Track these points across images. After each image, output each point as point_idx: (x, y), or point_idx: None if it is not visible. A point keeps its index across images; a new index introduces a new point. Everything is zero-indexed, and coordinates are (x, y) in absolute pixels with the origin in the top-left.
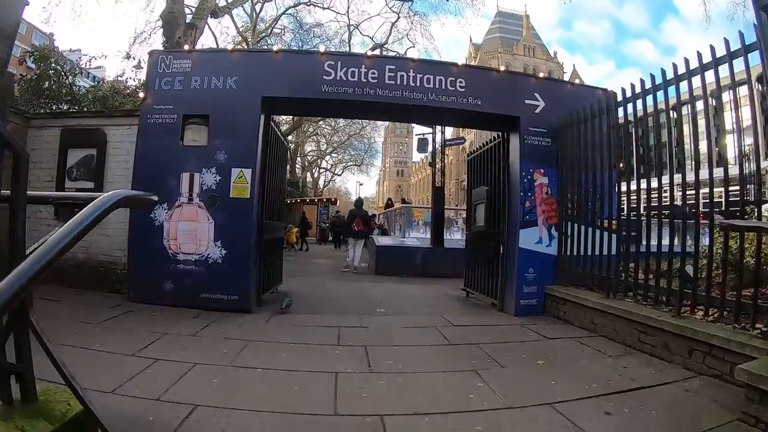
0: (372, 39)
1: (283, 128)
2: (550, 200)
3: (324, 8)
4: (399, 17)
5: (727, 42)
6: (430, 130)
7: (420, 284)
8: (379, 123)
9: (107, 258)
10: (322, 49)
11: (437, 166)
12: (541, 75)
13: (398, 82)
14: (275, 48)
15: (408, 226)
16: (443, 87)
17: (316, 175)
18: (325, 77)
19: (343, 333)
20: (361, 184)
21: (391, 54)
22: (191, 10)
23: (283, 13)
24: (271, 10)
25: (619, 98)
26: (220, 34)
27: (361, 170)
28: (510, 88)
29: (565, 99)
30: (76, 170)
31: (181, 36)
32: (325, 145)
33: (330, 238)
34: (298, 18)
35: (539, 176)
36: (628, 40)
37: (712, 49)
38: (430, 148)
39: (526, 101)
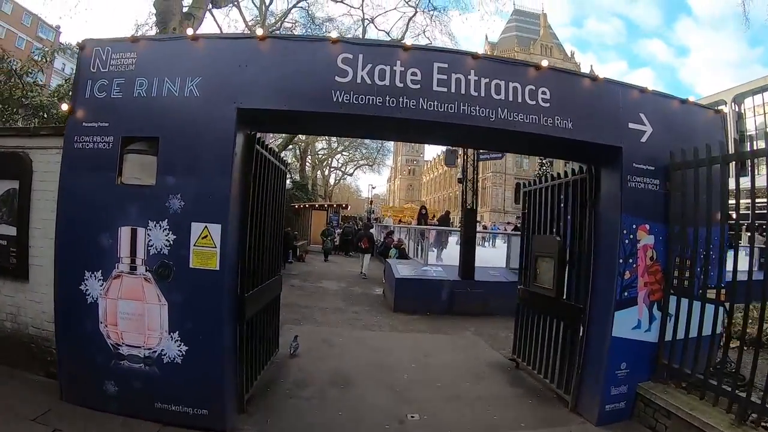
0: (388, 34)
1: None
2: (654, 268)
3: (337, 1)
4: (416, 12)
5: None
6: None
7: (448, 332)
8: None
9: (38, 332)
10: (333, 35)
11: (469, 182)
12: (649, 87)
13: (453, 90)
14: (259, 32)
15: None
16: (519, 99)
17: (326, 173)
18: (338, 79)
19: None
20: (373, 187)
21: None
22: None
23: (294, 5)
24: (281, 3)
25: None
26: (227, 27)
27: (372, 169)
28: (608, 104)
29: (673, 122)
30: None
31: (176, 27)
32: (336, 143)
33: (337, 248)
34: (309, 12)
35: (644, 235)
36: (640, 39)
37: None
38: (460, 161)
39: (630, 125)
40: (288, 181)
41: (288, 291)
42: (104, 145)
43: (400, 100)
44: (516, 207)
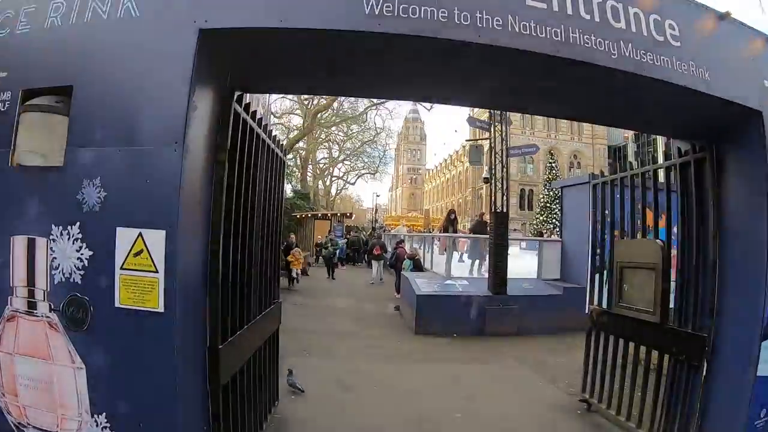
0: None
1: (293, 134)
2: None
3: None
4: None
5: None
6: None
7: (487, 360)
8: (394, 129)
9: None
10: None
11: (498, 181)
12: None
13: (555, 7)
14: None
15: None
16: (644, 32)
17: (328, 182)
18: None
19: None
20: (378, 195)
21: None
22: None
23: None
24: None
25: None
26: None
27: (375, 178)
28: (741, 52)
29: None
30: None
31: None
32: (338, 152)
33: (343, 258)
34: None
35: None
36: None
37: None
38: (485, 159)
39: (766, 83)
40: (289, 189)
41: (290, 311)
42: None
43: (477, 16)
44: (521, 213)
